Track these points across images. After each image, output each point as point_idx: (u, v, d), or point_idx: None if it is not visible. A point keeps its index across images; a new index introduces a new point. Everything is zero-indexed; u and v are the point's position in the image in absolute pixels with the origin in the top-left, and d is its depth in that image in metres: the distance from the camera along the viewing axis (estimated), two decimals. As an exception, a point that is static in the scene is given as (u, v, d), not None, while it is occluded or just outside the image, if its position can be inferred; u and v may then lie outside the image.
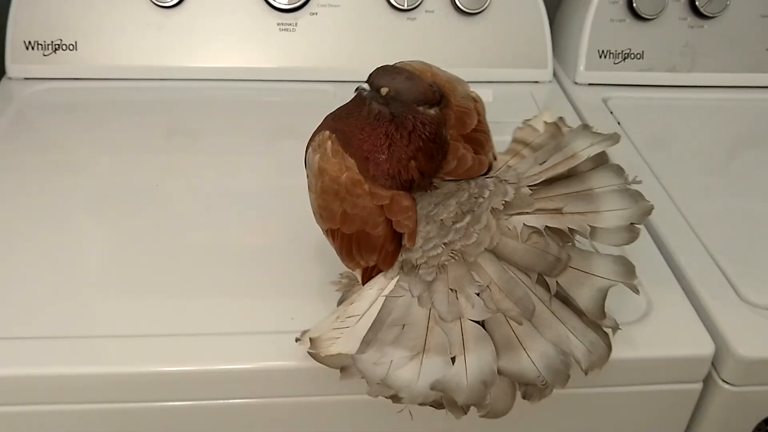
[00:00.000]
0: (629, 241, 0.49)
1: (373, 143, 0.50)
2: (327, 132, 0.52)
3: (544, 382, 0.47)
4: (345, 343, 0.48)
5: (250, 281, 0.59)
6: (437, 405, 0.47)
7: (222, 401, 0.53)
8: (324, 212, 0.52)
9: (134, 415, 0.54)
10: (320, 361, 0.49)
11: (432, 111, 0.50)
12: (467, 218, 0.50)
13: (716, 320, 0.57)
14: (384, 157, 0.50)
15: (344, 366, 0.48)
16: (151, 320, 0.55)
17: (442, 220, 0.50)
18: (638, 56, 0.93)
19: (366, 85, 0.51)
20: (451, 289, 0.49)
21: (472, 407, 0.47)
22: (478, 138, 0.53)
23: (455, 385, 0.46)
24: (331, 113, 0.54)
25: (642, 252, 0.64)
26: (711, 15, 0.92)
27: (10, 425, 0.53)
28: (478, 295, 0.48)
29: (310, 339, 0.49)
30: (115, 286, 0.58)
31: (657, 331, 0.56)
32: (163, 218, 0.66)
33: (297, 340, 0.50)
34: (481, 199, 0.50)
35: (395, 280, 0.51)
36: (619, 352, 0.54)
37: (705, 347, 0.56)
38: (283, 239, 0.63)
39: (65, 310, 0.56)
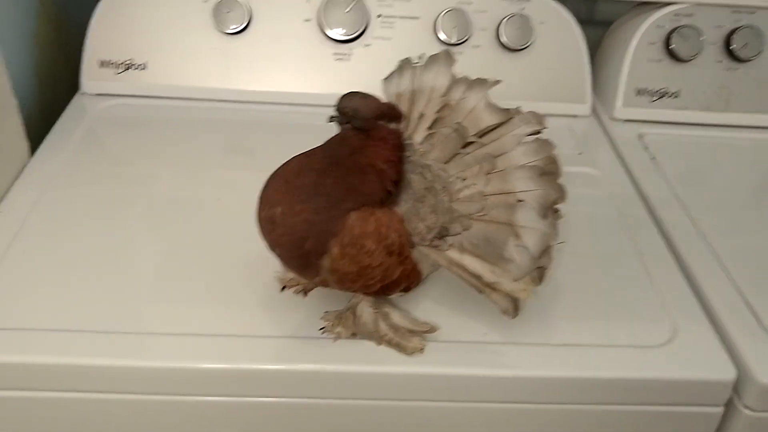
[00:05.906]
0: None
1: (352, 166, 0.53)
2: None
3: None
4: None
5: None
6: None
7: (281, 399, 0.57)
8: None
9: (178, 408, 0.57)
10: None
11: (392, 125, 0.53)
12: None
13: (739, 348, 0.60)
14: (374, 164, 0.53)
15: None
16: (203, 320, 0.59)
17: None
18: (674, 95, 0.94)
19: (335, 112, 0.53)
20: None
21: None
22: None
23: None
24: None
25: (669, 281, 0.67)
26: (746, 59, 0.93)
27: (64, 408, 0.57)
28: None
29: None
30: (171, 288, 0.62)
31: (681, 356, 0.58)
32: (218, 229, 0.69)
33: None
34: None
35: None
36: (644, 372, 0.57)
37: (726, 373, 0.58)
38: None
39: (125, 308, 0.60)
